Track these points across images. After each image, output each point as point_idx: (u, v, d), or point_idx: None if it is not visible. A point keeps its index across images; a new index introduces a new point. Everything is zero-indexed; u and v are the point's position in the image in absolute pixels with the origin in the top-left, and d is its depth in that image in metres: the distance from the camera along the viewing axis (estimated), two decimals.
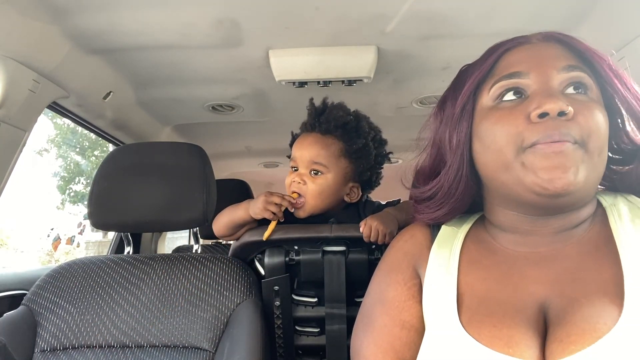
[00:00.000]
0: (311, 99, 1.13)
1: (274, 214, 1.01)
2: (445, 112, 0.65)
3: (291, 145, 1.15)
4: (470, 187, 0.63)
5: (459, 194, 0.64)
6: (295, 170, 1.08)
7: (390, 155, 1.20)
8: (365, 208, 1.12)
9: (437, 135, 0.66)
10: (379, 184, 1.17)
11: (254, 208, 1.03)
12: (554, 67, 0.56)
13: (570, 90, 0.56)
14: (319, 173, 1.06)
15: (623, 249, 0.53)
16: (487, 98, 0.60)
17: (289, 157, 1.15)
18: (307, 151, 1.06)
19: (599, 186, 0.63)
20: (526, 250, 0.60)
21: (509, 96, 0.58)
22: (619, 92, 0.57)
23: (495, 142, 0.57)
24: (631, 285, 0.49)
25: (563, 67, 0.56)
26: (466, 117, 0.62)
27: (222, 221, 1.08)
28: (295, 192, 1.06)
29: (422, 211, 0.69)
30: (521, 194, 0.56)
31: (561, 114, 0.53)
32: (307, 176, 1.06)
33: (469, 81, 0.61)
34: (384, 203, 1.16)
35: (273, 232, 1.03)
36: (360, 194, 1.12)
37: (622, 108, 0.58)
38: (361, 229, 0.97)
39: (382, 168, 1.16)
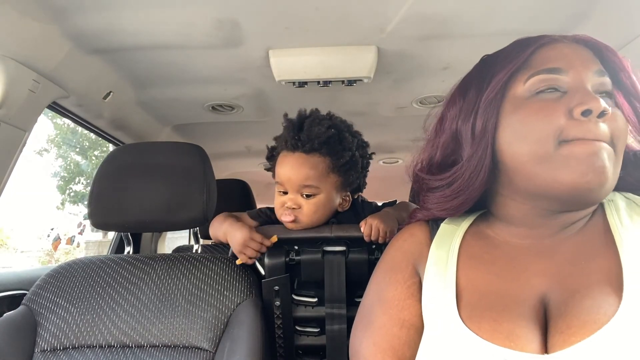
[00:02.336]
0: (285, 114, 1.08)
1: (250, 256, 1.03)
2: (466, 100, 0.63)
3: (268, 159, 1.12)
4: (489, 177, 0.62)
5: (478, 182, 0.62)
6: (285, 193, 1.04)
7: (390, 155, 1.20)
8: (364, 209, 1.12)
9: (454, 123, 0.65)
10: (366, 183, 1.16)
11: (232, 240, 1.04)
12: (590, 70, 0.57)
13: (602, 96, 0.57)
14: (310, 195, 1.02)
15: (621, 242, 0.54)
16: (522, 89, 0.59)
17: (267, 170, 1.13)
18: (295, 174, 1.01)
19: None
20: (529, 242, 0.61)
21: (546, 93, 0.58)
22: (628, 103, 0.59)
23: (534, 132, 0.56)
24: (629, 276, 0.50)
25: (596, 71, 0.57)
26: (495, 105, 0.61)
27: (215, 232, 1.11)
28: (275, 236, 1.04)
29: (434, 201, 0.67)
30: (552, 187, 0.56)
31: (601, 114, 0.54)
32: (300, 199, 1.02)
33: (503, 71, 0.61)
34: (380, 204, 1.16)
35: (273, 232, 1.03)
36: (352, 200, 1.12)
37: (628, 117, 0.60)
38: (362, 229, 0.97)
39: (368, 171, 1.14)
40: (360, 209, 1.12)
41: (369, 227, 0.96)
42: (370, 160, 1.14)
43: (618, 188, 0.62)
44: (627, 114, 0.58)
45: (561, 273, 0.56)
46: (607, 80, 0.58)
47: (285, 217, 1.03)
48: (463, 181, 0.63)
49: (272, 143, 1.13)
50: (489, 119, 0.61)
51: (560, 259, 0.57)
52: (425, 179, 0.69)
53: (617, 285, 0.51)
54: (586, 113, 0.54)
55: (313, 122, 1.02)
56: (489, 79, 0.62)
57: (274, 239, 1.03)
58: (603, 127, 0.54)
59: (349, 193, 1.10)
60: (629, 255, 0.52)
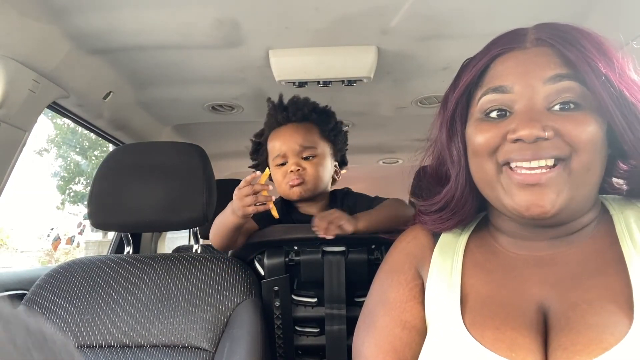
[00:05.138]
0: (269, 98, 1.17)
1: (259, 205, 0.95)
2: (445, 112, 0.65)
3: (255, 152, 1.19)
4: (478, 194, 0.63)
5: (469, 204, 0.64)
6: (283, 164, 1.10)
7: (390, 155, 1.25)
8: (345, 200, 1.16)
9: (439, 135, 0.66)
10: (347, 162, 1.25)
11: (237, 209, 0.96)
12: (540, 79, 0.54)
13: (557, 107, 0.54)
14: (311, 157, 1.09)
15: (630, 259, 0.52)
16: (476, 109, 0.60)
17: (254, 167, 1.18)
18: (293, 139, 1.08)
19: (616, 185, 0.61)
20: (526, 253, 0.60)
21: (494, 114, 0.57)
22: (606, 99, 0.52)
23: (477, 154, 0.58)
24: None
25: (550, 78, 0.54)
26: (459, 123, 0.62)
27: (217, 232, 1.04)
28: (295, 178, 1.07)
29: (431, 222, 0.68)
30: (503, 210, 0.58)
31: (537, 139, 0.52)
32: (302, 162, 1.08)
33: (460, 84, 0.61)
34: (372, 197, 1.17)
35: (273, 232, 1.03)
36: (340, 171, 1.20)
37: (611, 112, 0.53)
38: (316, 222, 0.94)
39: (348, 145, 1.24)
40: (341, 200, 1.17)
41: (325, 222, 0.93)
42: (347, 134, 1.23)
43: (632, 185, 0.60)
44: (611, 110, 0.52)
45: (560, 284, 0.55)
46: (566, 84, 0.53)
47: (292, 182, 1.07)
48: (456, 202, 0.64)
49: None
50: (457, 140, 0.62)
51: (560, 271, 0.56)
52: (418, 204, 0.70)
53: (625, 305, 0.49)
54: (518, 141, 0.53)
55: (296, 99, 1.15)
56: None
57: (266, 173, 0.96)
58: (545, 148, 0.52)
59: (337, 164, 1.18)
60: (639, 275, 0.50)
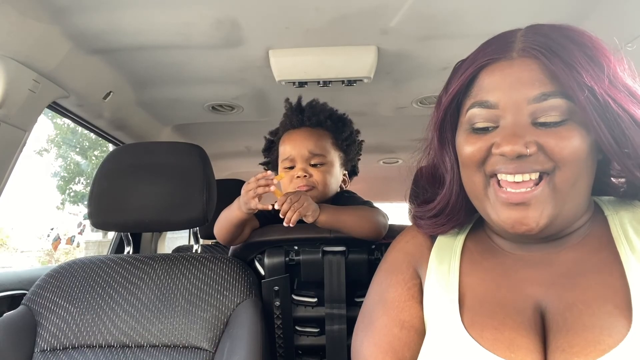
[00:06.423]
0: (287, 99, 1.16)
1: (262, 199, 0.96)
2: (437, 115, 0.65)
3: (267, 149, 1.18)
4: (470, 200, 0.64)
5: (463, 209, 0.65)
6: (292, 168, 1.09)
7: (390, 155, 1.24)
8: (339, 201, 1.14)
9: (432, 138, 0.67)
10: (358, 172, 1.24)
11: (242, 203, 0.98)
12: (525, 98, 0.53)
13: (542, 122, 0.53)
14: (319, 165, 1.08)
15: (627, 260, 0.52)
16: (465, 119, 0.59)
17: (265, 163, 1.17)
18: (304, 145, 1.08)
19: (617, 184, 0.61)
20: (522, 253, 0.61)
21: (481, 127, 0.57)
22: (590, 115, 0.51)
23: (466, 166, 0.59)
24: (639, 298, 0.48)
25: (535, 98, 0.53)
26: (449, 133, 0.63)
27: (221, 226, 1.05)
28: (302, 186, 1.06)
29: (427, 227, 0.69)
30: (491, 223, 0.59)
31: (520, 157, 0.52)
32: (309, 169, 1.08)
33: (449, 92, 0.61)
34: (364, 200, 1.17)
35: (273, 232, 1.03)
36: (349, 181, 1.18)
37: (596, 127, 0.52)
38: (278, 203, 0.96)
39: (360, 156, 1.23)
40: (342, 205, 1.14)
41: (288, 203, 0.94)
42: (362, 144, 1.22)
43: (627, 195, 0.60)
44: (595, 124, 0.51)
45: (556, 285, 0.55)
46: (552, 103, 0.52)
47: (299, 187, 1.06)
48: (450, 208, 0.65)
49: None
50: (449, 148, 0.63)
51: (555, 271, 0.56)
52: (414, 211, 0.71)
53: (622, 306, 0.49)
54: (502, 155, 0.54)
55: (314, 103, 1.14)
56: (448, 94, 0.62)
57: (280, 175, 1.00)
58: (529, 161, 0.52)
59: (346, 173, 1.17)
60: (636, 276, 0.50)
